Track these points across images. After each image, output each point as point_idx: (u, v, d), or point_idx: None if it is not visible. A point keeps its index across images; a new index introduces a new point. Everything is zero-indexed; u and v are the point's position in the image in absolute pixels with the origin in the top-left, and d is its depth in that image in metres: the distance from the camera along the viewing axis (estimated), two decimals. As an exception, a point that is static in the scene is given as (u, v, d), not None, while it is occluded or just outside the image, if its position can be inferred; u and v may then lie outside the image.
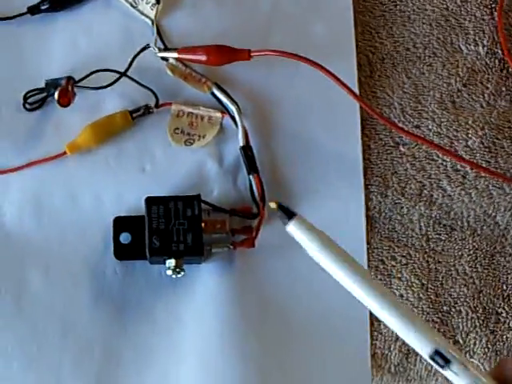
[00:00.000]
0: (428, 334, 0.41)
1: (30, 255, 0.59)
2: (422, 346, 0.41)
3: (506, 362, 0.42)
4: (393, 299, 0.41)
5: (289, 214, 0.42)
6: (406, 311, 0.41)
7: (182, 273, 0.56)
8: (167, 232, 0.56)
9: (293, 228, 0.42)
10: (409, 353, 0.61)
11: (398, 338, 0.60)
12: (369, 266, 0.60)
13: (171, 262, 0.56)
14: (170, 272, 0.56)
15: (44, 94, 0.61)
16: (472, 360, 0.60)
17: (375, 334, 0.60)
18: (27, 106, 0.62)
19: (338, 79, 0.58)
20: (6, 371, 0.58)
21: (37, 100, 0.62)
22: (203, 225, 0.57)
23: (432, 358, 0.40)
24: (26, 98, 0.61)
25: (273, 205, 0.43)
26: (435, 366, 0.41)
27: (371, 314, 0.57)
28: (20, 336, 0.58)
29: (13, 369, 0.58)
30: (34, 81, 0.62)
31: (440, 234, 0.62)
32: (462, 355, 0.41)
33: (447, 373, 0.40)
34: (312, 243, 0.42)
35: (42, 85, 0.61)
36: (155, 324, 0.59)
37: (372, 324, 0.60)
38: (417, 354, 0.60)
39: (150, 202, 0.57)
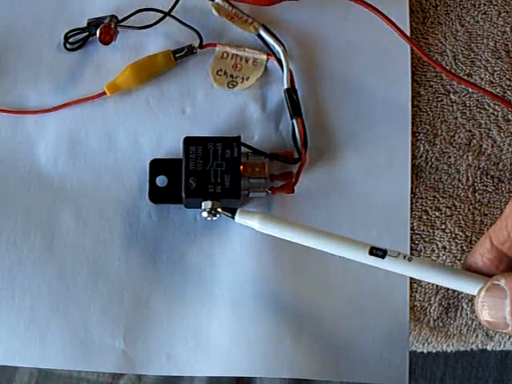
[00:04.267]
0: (359, 242, 0.48)
1: (62, 196, 0.58)
2: (360, 250, 0.47)
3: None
4: (322, 232, 0.49)
5: (231, 210, 0.52)
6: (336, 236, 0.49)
7: (218, 215, 0.55)
8: (204, 173, 0.55)
9: (239, 218, 0.52)
10: (449, 307, 0.58)
11: (438, 291, 0.58)
12: (412, 217, 0.59)
13: (207, 204, 0.54)
14: (205, 214, 0.54)
15: (85, 34, 0.60)
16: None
17: (415, 286, 0.58)
18: (68, 45, 0.60)
19: (390, 21, 0.57)
20: (32, 313, 0.57)
21: (78, 40, 0.60)
22: (242, 168, 0.56)
23: (372, 253, 0.47)
24: (66, 37, 0.60)
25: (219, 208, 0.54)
26: (377, 260, 0.47)
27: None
28: (48, 278, 0.57)
29: (39, 311, 0.57)
30: (75, 21, 0.60)
31: (487, 186, 0.60)
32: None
33: (388, 259, 0.47)
34: (254, 221, 0.51)
35: (84, 25, 0.60)
36: (188, 270, 0.57)
37: (411, 275, 0.58)
38: (457, 309, 0.58)
39: (189, 142, 0.56)
